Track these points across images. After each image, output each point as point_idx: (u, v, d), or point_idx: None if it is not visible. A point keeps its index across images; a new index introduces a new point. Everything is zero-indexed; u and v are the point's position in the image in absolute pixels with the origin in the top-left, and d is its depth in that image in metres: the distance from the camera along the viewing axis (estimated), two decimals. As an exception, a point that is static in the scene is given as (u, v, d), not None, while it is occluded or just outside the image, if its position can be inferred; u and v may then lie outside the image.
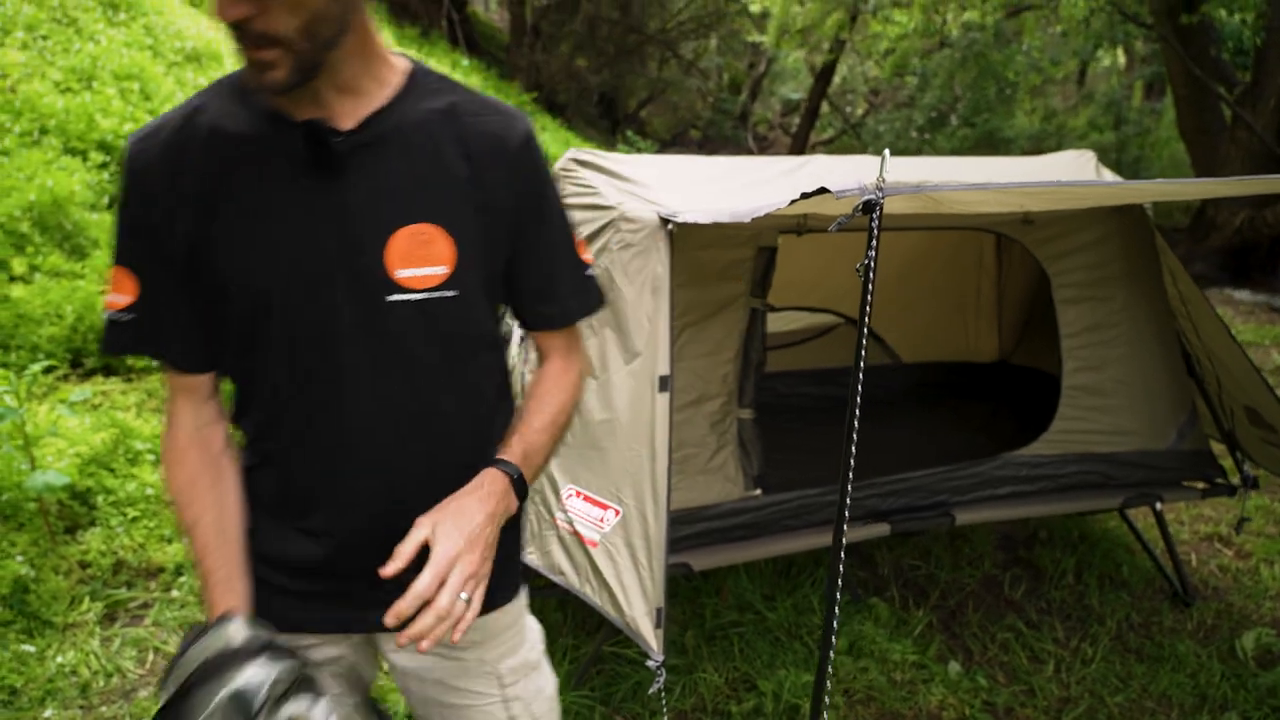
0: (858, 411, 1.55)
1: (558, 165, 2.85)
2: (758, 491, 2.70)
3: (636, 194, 2.59)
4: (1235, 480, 3.23)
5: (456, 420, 1.24)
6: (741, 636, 2.99)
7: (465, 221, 1.16)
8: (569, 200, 2.74)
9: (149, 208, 1.11)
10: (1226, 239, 11.19)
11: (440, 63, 11.95)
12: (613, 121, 22.31)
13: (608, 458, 2.32)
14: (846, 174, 2.99)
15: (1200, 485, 3.23)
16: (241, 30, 0.98)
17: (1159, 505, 3.20)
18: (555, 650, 2.86)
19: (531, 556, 2.41)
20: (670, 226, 2.39)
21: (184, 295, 1.15)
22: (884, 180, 1.38)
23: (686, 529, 2.62)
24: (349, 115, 1.11)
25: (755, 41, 16.51)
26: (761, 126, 26.25)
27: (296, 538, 1.24)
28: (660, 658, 2.03)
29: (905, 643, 3.02)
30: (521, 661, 1.41)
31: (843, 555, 1.63)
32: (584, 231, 2.59)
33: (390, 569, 1.05)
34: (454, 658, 1.34)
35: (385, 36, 8.04)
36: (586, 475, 2.35)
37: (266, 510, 1.25)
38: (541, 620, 3.02)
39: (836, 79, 22.45)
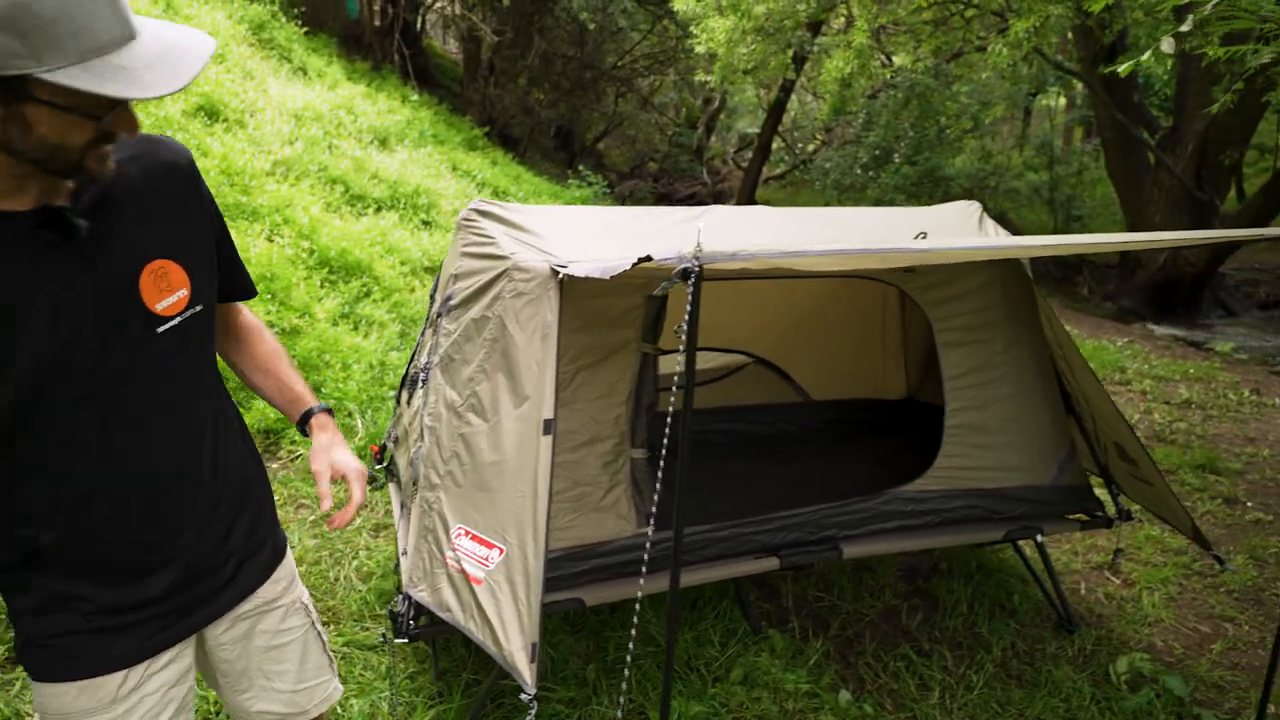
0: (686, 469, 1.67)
1: (460, 216, 2.97)
2: (649, 528, 2.81)
3: (532, 244, 2.73)
4: (1112, 513, 3.41)
5: (214, 419, 1.54)
6: (640, 669, 3.09)
7: (182, 243, 1.41)
8: (469, 250, 2.87)
9: None
10: (1151, 275, 11.66)
11: (390, 97, 12.08)
12: (570, 154, 22.58)
13: (495, 498, 2.42)
14: (738, 229, 3.17)
15: (1080, 518, 3.40)
16: (109, 135, 1.21)
17: (1040, 537, 3.37)
18: (456, 685, 2.94)
19: (422, 593, 2.50)
20: (561, 276, 2.52)
21: None
22: (700, 249, 1.52)
23: (580, 565, 2.73)
24: (61, 193, 1.27)
25: (700, 81, 16.90)
26: (716, 161, 26.68)
27: (125, 580, 1.43)
28: (533, 690, 2.13)
29: (800, 672, 3.14)
30: (306, 591, 1.81)
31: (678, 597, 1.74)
32: (480, 280, 2.71)
33: (331, 511, 1.65)
34: (277, 606, 1.69)
35: (336, 71, 8.12)
36: (475, 515, 2.45)
37: (91, 570, 1.40)
38: (445, 655, 3.10)
39: (789, 116, 22.99)
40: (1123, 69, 3.55)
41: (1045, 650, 3.37)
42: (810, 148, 23.74)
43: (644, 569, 1.89)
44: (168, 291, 1.37)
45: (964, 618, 3.56)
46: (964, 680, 3.17)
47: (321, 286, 6.29)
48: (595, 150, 25.18)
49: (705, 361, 4.24)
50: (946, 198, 13.97)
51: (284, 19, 11.32)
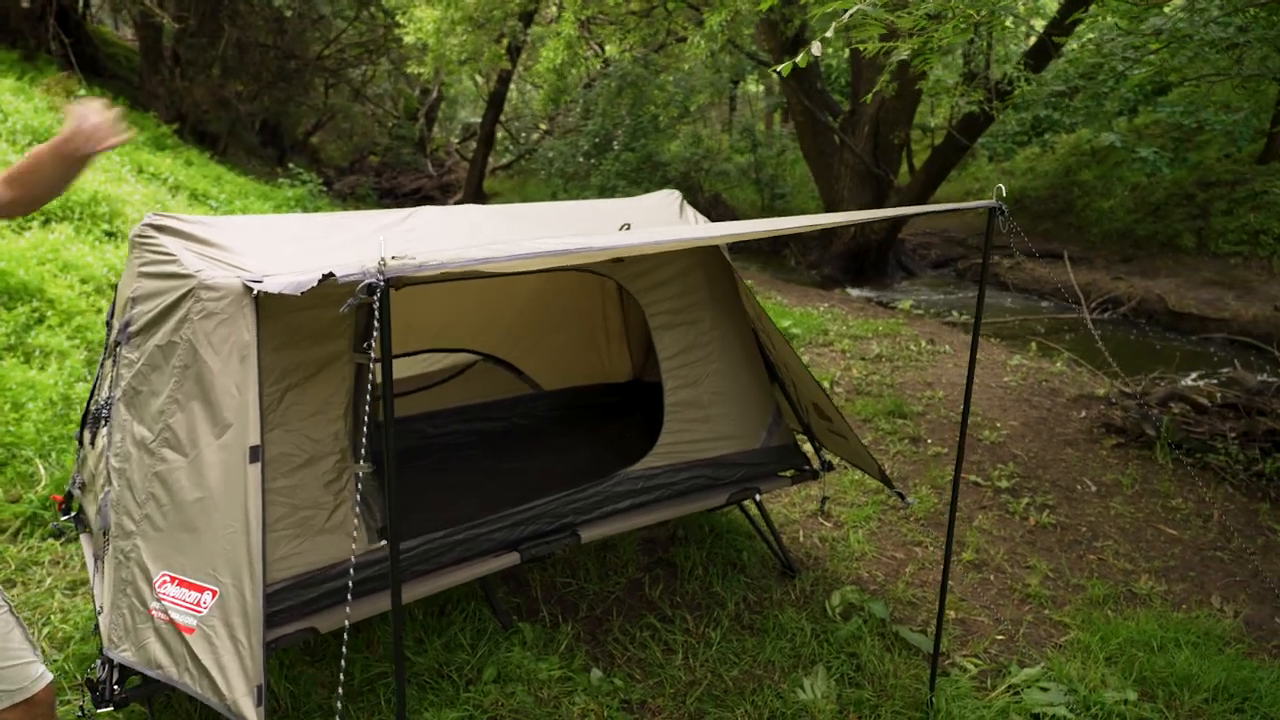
0: (392, 481, 1.64)
1: (133, 233, 2.69)
2: (382, 544, 2.73)
3: (219, 259, 2.53)
4: (816, 465, 3.79)
5: None
6: (389, 687, 3.01)
7: None
8: (147, 269, 2.61)
9: None
10: (845, 245, 13.00)
11: (51, 92, 10.61)
12: (280, 150, 21.09)
13: (202, 538, 2.24)
14: (448, 229, 3.13)
15: (789, 474, 3.75)
16: None
17: (759, 496, 3.67)
18: (183, 743, 2.70)
19: (125, 653, 2.25)
20: (256, 292, 2.35)
21: None
22: (384, 263, 1.50)
23: (311, 592, 2.59)
24: None
25: (414, 71, 16.45)
26: (441, 153, 26.14)
27: None
28: (263, 736, 2.01)
29: (552, 659, 3.21)
30: None
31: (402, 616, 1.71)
32: (163, 302, 2.47)
33: None
34: None
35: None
36: (180, 559, 2.25)
37: None
38: (168, 713, 2.83)
39: (509, 106, 23.00)
40: (784, 67, 3.91)
41: (772, 598, 3.69)
42: (535, 137, 23.91)
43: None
44: None
45: (700, 580, 3.81)
46: (704, 638, 3.40)
47: (-22, 315, 5.43)
48: (308, 145, 23.74)
49: (433, 363, 4.17)
50: (665, 182, 14.70)
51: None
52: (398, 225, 3.05)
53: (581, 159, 15.48)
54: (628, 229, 3.22)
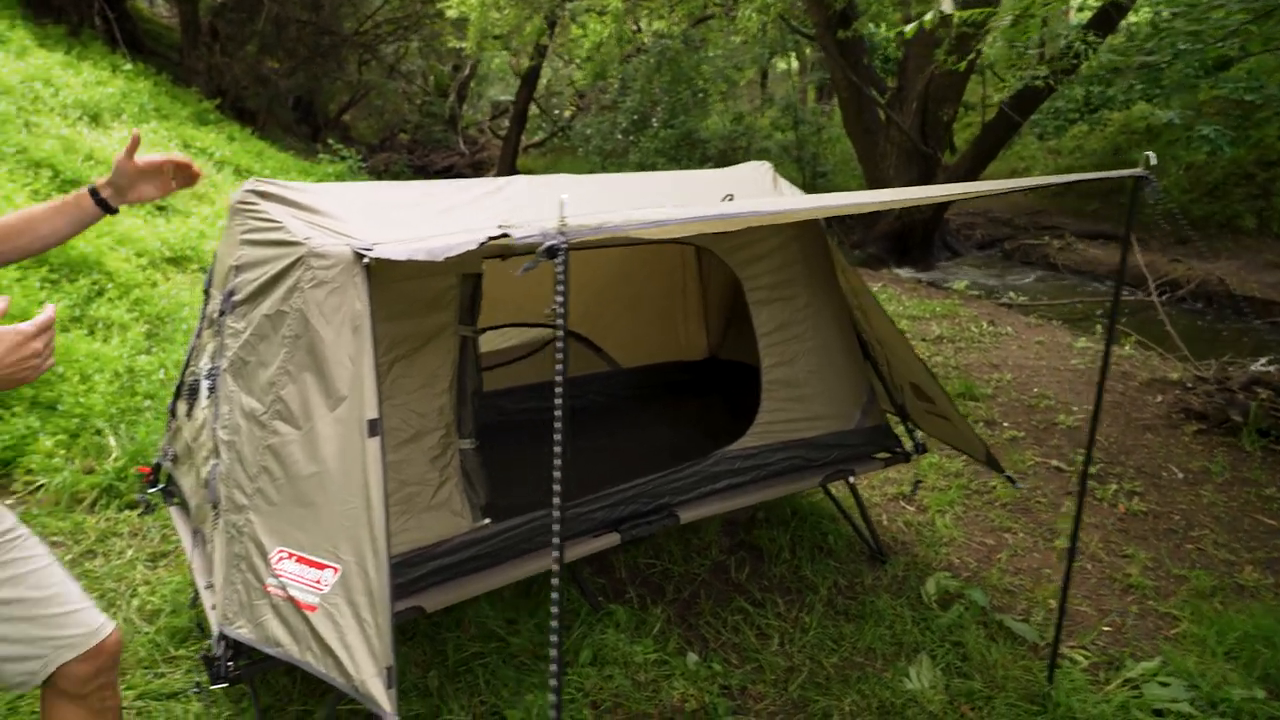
0: (563, 449, 1.55)
1: (234, 198, 2.61)
2: (486, 521, 2.65)
3: (325, 226, 2.44)
4: (909, 448, 3.67)
5: None
6: (486, 667, 2.94)
7: None
8: (251, 236, 2.53)
9: None
10: (890, 224, 12.76)
11: (97, 67, 10.58)
12: (313, 128, 21.06)
13: (320, 513, 2.16)
14: (543, 199, 3.02)
15: (883, 456, 3.63)
16: None
17: (852, 478, 3.56)
18: (285, 719, 2.65)
19: (241, 630, 2.19)
20: (366, 260, 2.26)
21: None
22: (565, 224, 1.39)
23: (416, 570, 2.52)
24: None
25: (456, 46, 16.30)
26: (472, 130, 26.02)
27: None
28: (395, 718, 1.93)
29: (646, 642, 3.12)
30: None
31: (560, 574, 1.63)
32: (270, 270, 2.39)
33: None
34: (14, 538, 1.72)
35: (22, 37, 6.98)
36: (298, 535, 2.17)
37: None
38: (265, 690, 2.78)
39: (542, 82, 22.80)
40: (910, 28, 3.75)
41: (864, 583, 3.58)
42: (567, 114, 23.72)
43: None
44: None
45: (788, 563, 3.71)
46: (798, 623, 3.30)
47: (42, 288, 5.40)
48: (341, 123, 23.68)
49: (510, 338, 4.08)
50: (704, 159, 14.52)
51: (-53, -27, 9.57)
52: (495, 194, 2.95)
53: (620, 136, 15.30)
54: (730, 200, 3.10)
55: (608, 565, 3.65)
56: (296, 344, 2.29)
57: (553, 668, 1.46)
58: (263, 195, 2.56)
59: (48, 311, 1.43)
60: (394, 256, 2.05)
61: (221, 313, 2.55)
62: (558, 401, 1.46)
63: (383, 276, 2.39)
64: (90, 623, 1.80)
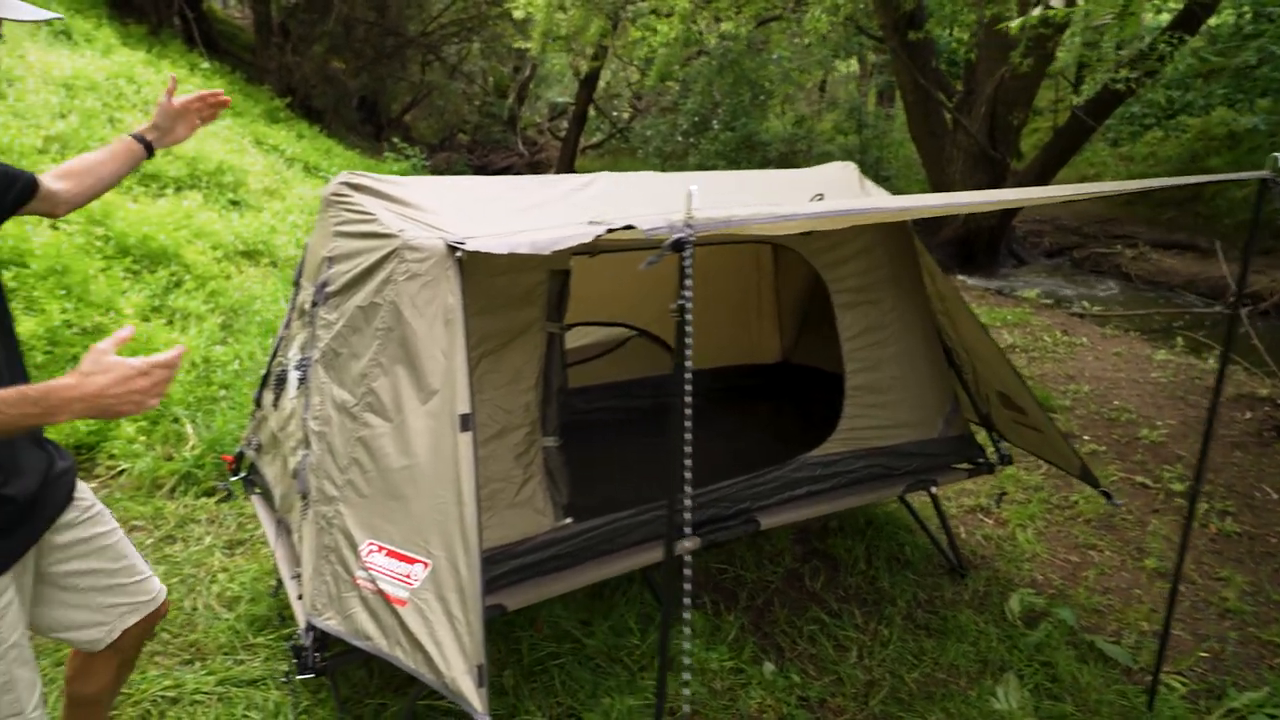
0: (682, 441, 1.51)
1: (328, 190, 2.62)
2: (568, 520, 2.62)
3: (418, 219, 2.43)
4: (994, 459, 3.55)
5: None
6: (562, 668, 2.91)
7: None
8: (344, 229, 2.53)
9: None
10: (955, 231, 12.49)
11: (176, 65, 10.87)
12: (376, 127, 21.39)
13: (410, 507, 2.14)
14: (631, 194, 2.99)
15: (966, 466, 3.52)
16: None
17: (934, 489, 3.46)
18: (364, 712, 2.64)
19: (330, 622, 2.18)
20: (459, 254, 2.24)
21: None
22: (693, 216, 1.34)
23: (499, 568, 2.50)
24: None
25: (518, 47, 16.41)
26: (530, 131, 26.19)
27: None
28: (487, 718, 1.90)
29: (721, 649, 3.06)
30: None
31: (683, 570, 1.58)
32: (364, 262, 2.39)
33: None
34: (95, 513, 1.90)
35: (108, 35, 7.15)
36: (388, 528, 2.16)
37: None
38: (344, 679, 2.78)
39: (601, 84, 22.85)
40: (1014, 25, 3.64)
41: (944, 597, 3.48)
42: (626, 115, 23.75)
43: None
44: None
45: (864, 574, 3.62)
46: (877, 636, 3.21)
47: (124, 278, 5.53)
48: (402, 122, 24.02)
49: (583, 337, 4.05)
50: (765, 162, 14.38)
51: (38, -26, 9.89)
52: (582, 190, 2.92)
53: (679, 138, 15.24)
54: (821, 199, 3.03)
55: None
56: (389, 336, 2.28)
57: (685, 645, 1.41)
58: (356, 188, 2.57)
59: (172, 352, 1.44)
60: (494, 250, 2.03)
61: (314, 304, 2.56)
62: (687, 387, 1.43)
63: (474, 271, 2.36)
64: (153, 590, 2.02)
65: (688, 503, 1.48)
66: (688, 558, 1.65)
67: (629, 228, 1.49)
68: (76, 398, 1.37)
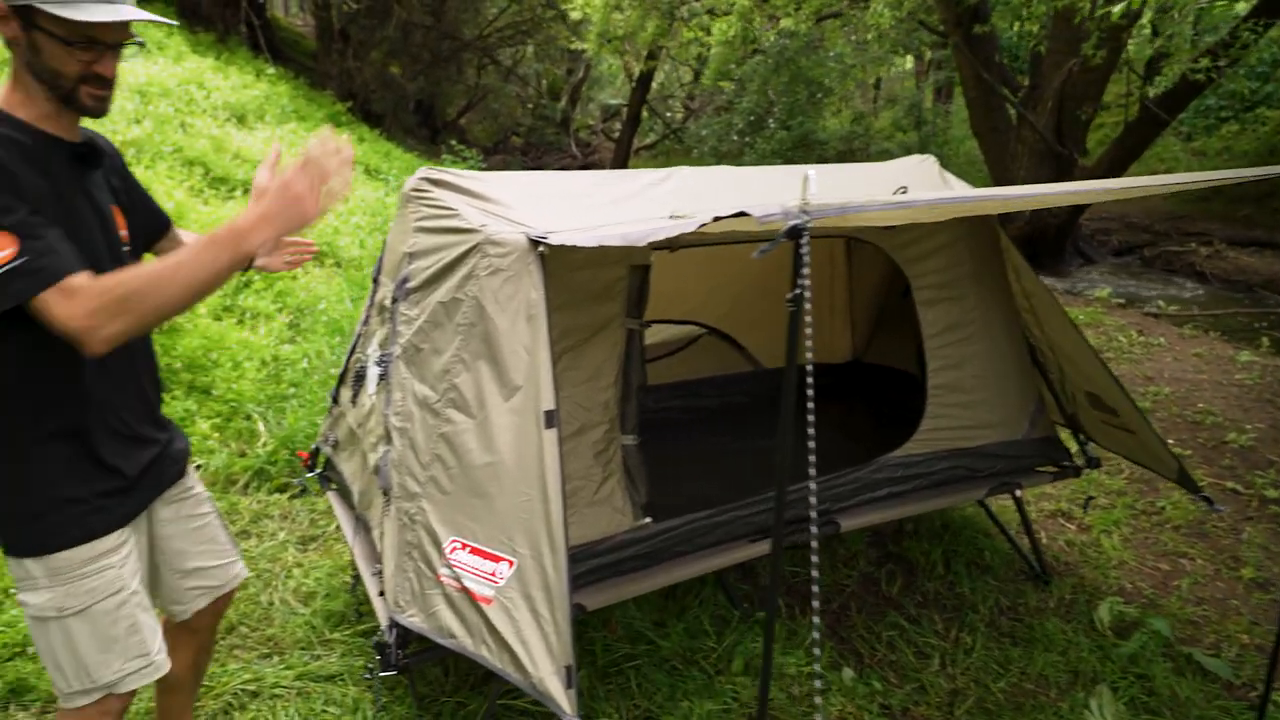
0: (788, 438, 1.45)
1: (408, 186, 2.61)
2: (647, 520, 2.57)
3: (499, 214, 2.41)
4: (1080, 462, 3.42)
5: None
6: (637, 670, 2.86)
7: (124, 195, 1.82)
8: (424, 224, 2.52)
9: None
10: (1020, 229, 12.17)
11: (243, 71, 11.11)
12: (432, 130, 21.64)
13: (494, 504, 2.12)
14: (710, 187, 2.93)
15: (1052, 469, 3.39)
16: (101, 79, 1.57)
17: (1019, 492, 3.34)
18: (442, 710, 2.63)
19: (413, 619, 2.17)
20: (541, 249, 2.22)
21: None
22: (809, 202, 1.29)
23: (578, 567, 2.46)
24: (73, 133, 1.66)
25: (573, 49, 16.46)
26: (584, 132, 26.28)
27: (124, 453, 1.77)
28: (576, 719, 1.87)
29: (798, 654, 2.99)
30: None
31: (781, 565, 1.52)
32: (445, 257, 2.37)
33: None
34: (193, 494, 2.03)
35: (179, 43, 7.26)
36: (472, 525, 2.14)
37: (88, 448, 1.69)
38: (421, 677, 2.77)
39: (654, 85, 22.83)
40: (1117, 10, 3.50)
41: (1028, 604, 3.36)
42: (679, 115, 23.69)
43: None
44: (122, 226, 1.76)
45: (943, 579, 3.51)
46: (959, 644, 3.11)
47: (197, 278, 5.64)
48: (458, 125, 24.28)
49: (657, 334, 4.00)
50: (822, 161, 14.20)
51: (112, -16, 10.19)
52: (660, 184, 2.88)
53: (735, 137, 15.14)
54: (904, 192, 2.94)
55: (751, 571, 3.53)
56: (471, 332, 2.26)
57: (814, 635, 1.35)
58: (436, 183, 2.56)
59: (271, 151, 1.80)
60: (582, 244, 2.00)
61: (394, 299, 2.55)
62: (807, 380, 1.37)
63: (554, 266, 2.33)
64: (227, 575, 2.12)
65: (812, 486, 1.42)
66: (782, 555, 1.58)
67: (741, 214, 1.44)
68: (256, 220, 1.52)
